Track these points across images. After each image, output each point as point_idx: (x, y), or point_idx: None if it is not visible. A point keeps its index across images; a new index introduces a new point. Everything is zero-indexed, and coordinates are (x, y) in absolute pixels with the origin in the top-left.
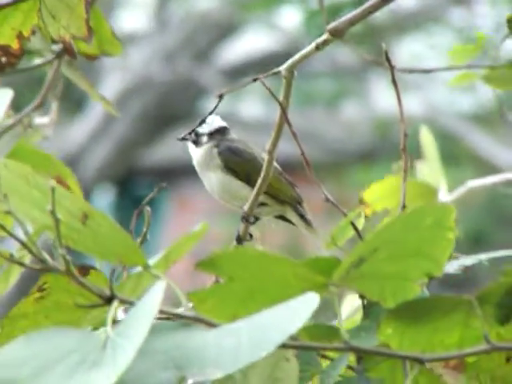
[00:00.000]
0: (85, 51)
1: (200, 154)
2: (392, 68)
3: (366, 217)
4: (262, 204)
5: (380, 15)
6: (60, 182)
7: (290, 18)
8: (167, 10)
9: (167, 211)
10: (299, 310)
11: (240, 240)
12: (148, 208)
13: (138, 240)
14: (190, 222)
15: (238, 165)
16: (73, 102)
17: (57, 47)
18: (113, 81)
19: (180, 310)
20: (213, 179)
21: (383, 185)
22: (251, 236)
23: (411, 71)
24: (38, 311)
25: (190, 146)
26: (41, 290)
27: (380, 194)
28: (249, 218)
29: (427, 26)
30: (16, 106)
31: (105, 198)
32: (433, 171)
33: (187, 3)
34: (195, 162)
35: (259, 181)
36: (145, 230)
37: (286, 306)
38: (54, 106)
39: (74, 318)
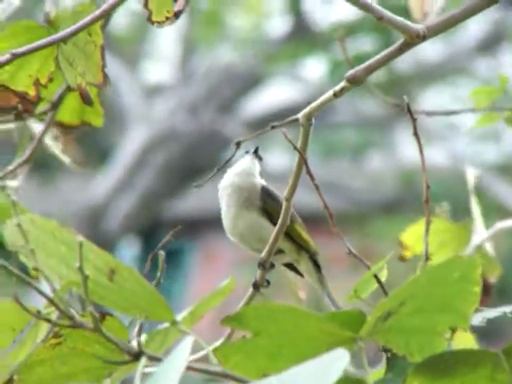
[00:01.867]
0: (64, 119)
1: (237, 183)
2: (414, 120)
3: (404, 259)
4: (280, 251)
5: (405, 65)
6: None
7: (315, 70)
8: (192, 62)
9: (193, 263)
10: (330, 367)
11: (257, 286)
12: (162, 252)
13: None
14: (216, 272)
15: (274, 208)
16: (98, 154)
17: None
18: (138, 132)
19: (207, 366)
20: (244, 215)
21: (422, 227)
22: (268, 283)
23: (431, 114)
24: (54, 358)
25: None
26: (57, 336)
27: (419, 236)
28: (266, 265)
29: (452, 77)
30: None
31: (130, 250)
32: (474, 211)
33: (212, 55)
34: (228, 192)
35: (277, 228)
36: (159, 274)
37: (316, 363)
38: (24, 170)
39: (91, 365)
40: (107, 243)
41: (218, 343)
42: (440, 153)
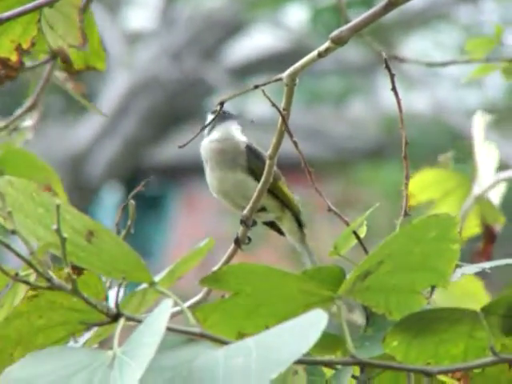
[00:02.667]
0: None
1: (220, 148)
2: (392, 75)
3: (410, 208)
4: (262, 209)
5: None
6: (47, 188)
7: (297, 16)
8: (174, 9)
9: (175, 209)
10: (308, 329)
11: (238, 243)
12: (132, 202)
13: (123, 233)
14: (197, 219)
15: (258, 166)
16: (79, 101)
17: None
18: (120, 79)
19: (185, 326)
20: (229, 177)
21: (426, 176)
22: (249, 239)
23: (429, 65)
24: (31, 311)
25: (207, 139)
26: (34, 289)
27: (424, 185)
28: (248, 222)
29: (434, 23)
30: None
31: (112, 197)
32: (479, 161)
33: (194, 2)
34: (211, 156)
35: (259, 185)
36: (129, 222)
37: (294, 325)
38: (37, 111)
39: (68, 319)
40: (89, 190)
41: (193, 300)
42: (422, 100)
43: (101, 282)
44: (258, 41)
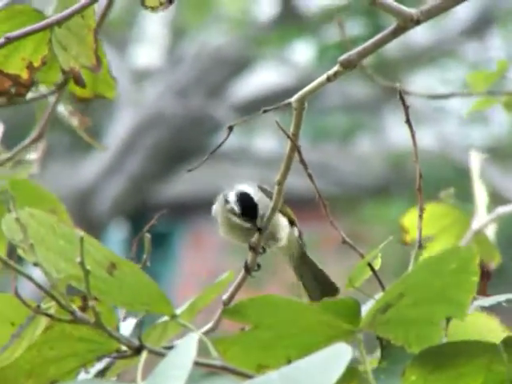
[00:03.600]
0: (77, 94)
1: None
2: (406, 107)
3: (405, 242)
4: (271, 236)
5: (393, 48)
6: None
7: (303, 53)
8: (181, 46)
9: (182, 246)
10: (333, 363)
11: (248, 269)
12: (148, 235)
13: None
14: (204, 256)
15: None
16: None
17: (57, 82)
18: (126, 116)
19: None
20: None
21: (428, 209)
22: (259, 266)
23: (431, 97)
24: (42, 342)
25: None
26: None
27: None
28: (257, 248)
29: (441, 60)
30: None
31: (118, 234)
32: (477, 197)
33: (200, 39)
34: (233, 226)
35: (269, 211)
36: (145, 256)
37: (318, 358)
38: (42, 143)
39: (79, 349)
40: (96, 227)
41: (203, 330)
42: (428, 135)
43: (112, 312)
44: (264, 78)
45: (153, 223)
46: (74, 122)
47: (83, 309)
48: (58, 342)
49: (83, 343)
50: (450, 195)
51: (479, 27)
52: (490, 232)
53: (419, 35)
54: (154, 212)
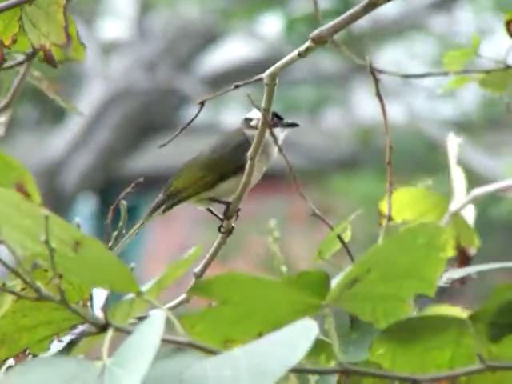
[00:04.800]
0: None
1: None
2: (376, 80)
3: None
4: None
5: (361, 22)
6: (21, 189)
7: (271, 26)
8: (149, 20)
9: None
10: (299, 339)
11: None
12: (124, 202)
13: (114, 234)
14: (172, 229)
15: None
16: (53, 112)
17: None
18: (94, 89)
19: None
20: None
21: (402, 196)
22: (233, 228)
23: (405, 76)
24: (16, 310)
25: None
26: (21, 288)
27: (399, 205)
28: (231, 214)
29: (408, 33)
30: None
31: (86, 207)
32: (454, 179)
33: (168, 12)
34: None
35: (241, 184)
36: (121, 224)
37: (284, 334)
38: (7, 112)
39: (53, 318)
40: (63, 200)
41: (171, 304)
42: (397, 109)
43: (83, 290)
44: (232, 51)
45: (129, 191)
46: (43, 87)
47: (46, 284)
48: (32, 310)
49: (58, 312)
50: (428, 186)
51: (447, 0)
52: (469, 215)
53: (387, 8)
54: (122, 185)
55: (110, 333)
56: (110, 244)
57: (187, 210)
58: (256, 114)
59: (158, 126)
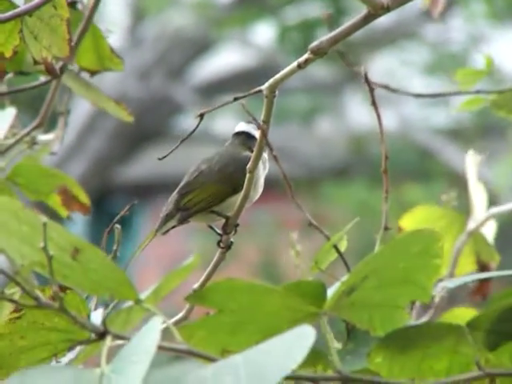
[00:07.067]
0: (86, 66)
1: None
2: (372, 89)
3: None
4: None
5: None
6: (65, 192)
7: (264, 35)
8: (142, 28)
9: (142, 228)
10: (296, 345)
11: (224, 247)
12: (118, 226)
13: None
14: (166, 239)
15: None
16: (48, 118)
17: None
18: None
19: (172, 343)
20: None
21: (419, 213)
22: (232, 243)
23: (418, 96)
24: (13, 332)
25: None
26: (17, 310)
27: (416, 223)
28: (229, 231)
29: (401, 41)
30: (23, 122)
31: (80, 215)
32: (474, 197)
33: (161, 21)
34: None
35: (240, 198)
36: (115, 247)
37: (282, 341)
38: (61, 121)
39: (50, 339)
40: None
41: (176, 318)
42: (389, 117)
43: (83, 302)
44: (225, 59)
45: (124, 213)
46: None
47: (53, 298)
48: (30, 331)
49: (55, 333)
50: (451, 199)
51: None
52: (489, 232)
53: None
54: (115, 194)
55: (108, 340)
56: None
57: None
58: (245, 127)
59: (151, 135)
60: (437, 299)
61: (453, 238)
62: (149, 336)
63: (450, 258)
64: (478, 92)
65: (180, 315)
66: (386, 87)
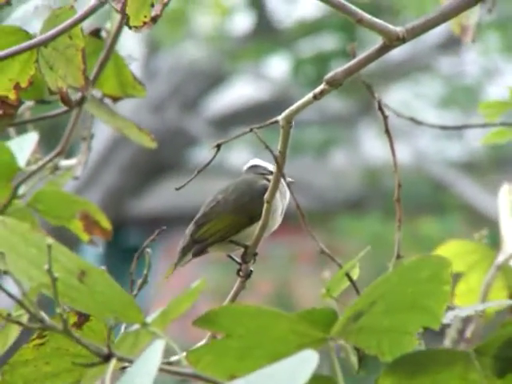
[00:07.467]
0: (109, 93)
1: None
2: (385, 118)
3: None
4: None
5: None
6: (87, 217)
7: (278, 68)
8: (156, 60)
9: (156, 260)
10: (299, 370)
11: (243, 275)
12: (148, 250)
13: (139, 282)
14: (179, 271)
15: None
16: (68, 146)
17: (77, 95)
18: (102, 130)
19: (178, 367)
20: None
21: (451, 248)
22: (251, 272)
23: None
24: (38, 358)
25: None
26: (41, 336)
27: (449, 254)
28: (248, 259)
29: (415, 74)
30: (46, 147)
31: (94, 248)
32: (505, 231)
33: (176, 53)
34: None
35: (258, 228)
36: (145, 272)
37: (284, 364)
38: (84, 146)
39: (73, 365)
40: (71, 240)
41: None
42: (403, 150)
43: (106, 328)
44: (239, 92)
45: (149, 242)
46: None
47: (78, 325)
48: (54, 357)
49: (79, 358)
50: (483, 236)
51: (454, 41)
52: None
53: (394, 50)
54: (130, 227)
55: (112, 363)
56: (135, 292)
57: None
58: (259, 161)
59: (166, 167)
60: (452, 331)
61: (484, 272)
62: (150, 359)
63: (480, 292)
64: (502, 124)
65: (202, 343)
66: (409, 118)
